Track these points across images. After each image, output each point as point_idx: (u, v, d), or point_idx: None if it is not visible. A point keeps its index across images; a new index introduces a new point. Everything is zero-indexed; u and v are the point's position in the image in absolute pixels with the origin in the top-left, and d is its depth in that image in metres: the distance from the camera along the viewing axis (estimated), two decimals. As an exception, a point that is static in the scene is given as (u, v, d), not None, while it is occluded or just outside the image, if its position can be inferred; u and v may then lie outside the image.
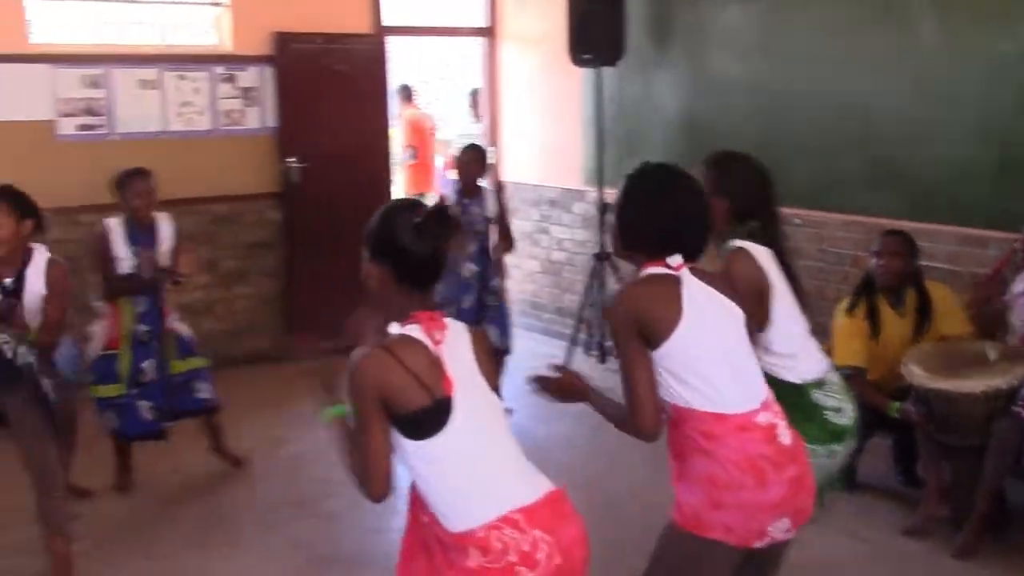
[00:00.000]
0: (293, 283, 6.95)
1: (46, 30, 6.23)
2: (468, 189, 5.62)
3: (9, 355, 3.73)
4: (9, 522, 4.37)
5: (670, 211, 2.51)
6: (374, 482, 2.22)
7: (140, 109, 6.42)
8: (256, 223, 6.90)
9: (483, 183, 5.69)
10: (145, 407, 4.70)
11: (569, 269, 7.41)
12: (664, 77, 6.42)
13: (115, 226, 4.70)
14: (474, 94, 8.67)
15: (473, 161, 5.62)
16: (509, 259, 7.86)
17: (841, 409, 2.95)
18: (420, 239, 2.27)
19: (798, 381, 2.91)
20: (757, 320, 2.80)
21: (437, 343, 2.25)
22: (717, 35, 6.04)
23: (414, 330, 2.26)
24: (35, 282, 3.84)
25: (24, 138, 6.05)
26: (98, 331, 4.70)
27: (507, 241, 5.78)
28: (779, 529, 2.45)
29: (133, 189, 4.69)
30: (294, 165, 6.80)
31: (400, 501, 2.41)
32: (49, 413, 3.88)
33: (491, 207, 5.68)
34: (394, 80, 8.48)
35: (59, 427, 4.06)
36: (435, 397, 2.21)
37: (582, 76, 6.83)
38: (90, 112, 6.26)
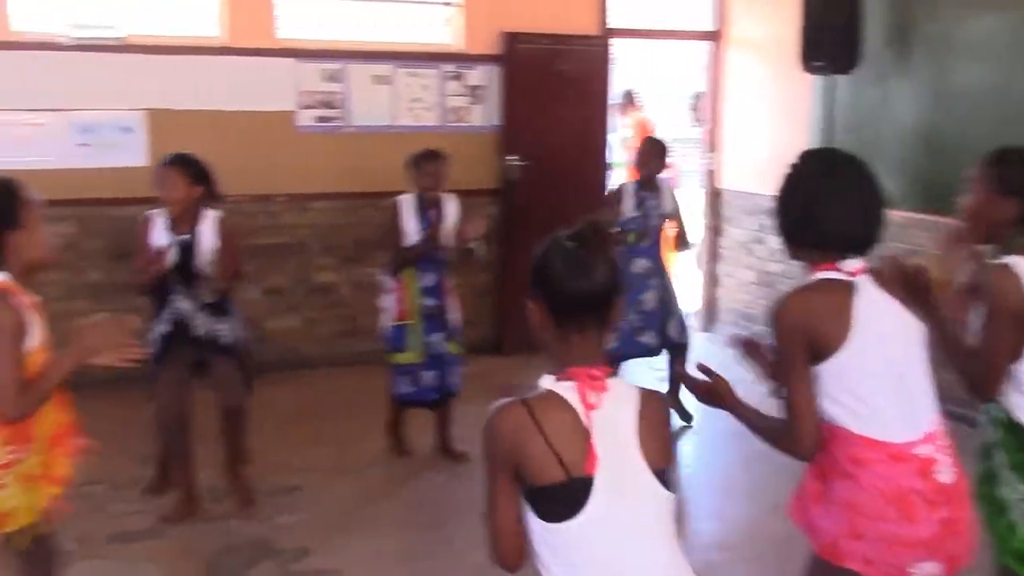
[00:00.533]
0: (506, 278, 7.06)
1: (291, 26, 6.59)
2: (646, 182, 5.56)
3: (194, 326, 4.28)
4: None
5: (836, 202, 2.28)
6: (499, 550, 1.93)
7: (373, 104, 6.69)
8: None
9: (663, 177, 5.67)
10: (429, 377, 5.00)
11: (784, 282, 7.16)
12: (902, 86, 6.10)
13: (406, 202, 4.98)
14: (697, 98, 8.54)
15: (653, 154, 5.55)
16: (721, 268, 7.76)
17: None
18: (571, 267, 1.90)
19: None
20: (1013, 350, 2.50)
21: (590, 408, 1.86)
22: (964, 43, 5.67)
23: (566, 388, 1.89)
24: (208, 237, 4.29)
25: (267, 128, 6.42)
26: (388, 304, 5.02)
27: (683, 239, 5.83)
28: (924, 571, 2.24)
29: (424, 169, 4.96)
30: (514, 163, 6.91)
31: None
32: (239, 360, 4.40)
33: (668, 203, 5.61)
34: (618, 83, 8.51)
35: (247, 368, 4.49)
36: (571, 474, 1.82)
37: (812, 83, 6.60)
38: (327, 105, 6.58)
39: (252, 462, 4.62)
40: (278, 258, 6.51)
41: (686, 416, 5.73)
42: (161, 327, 4.28)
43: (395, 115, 6.76)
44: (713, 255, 7.85)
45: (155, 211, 4.31)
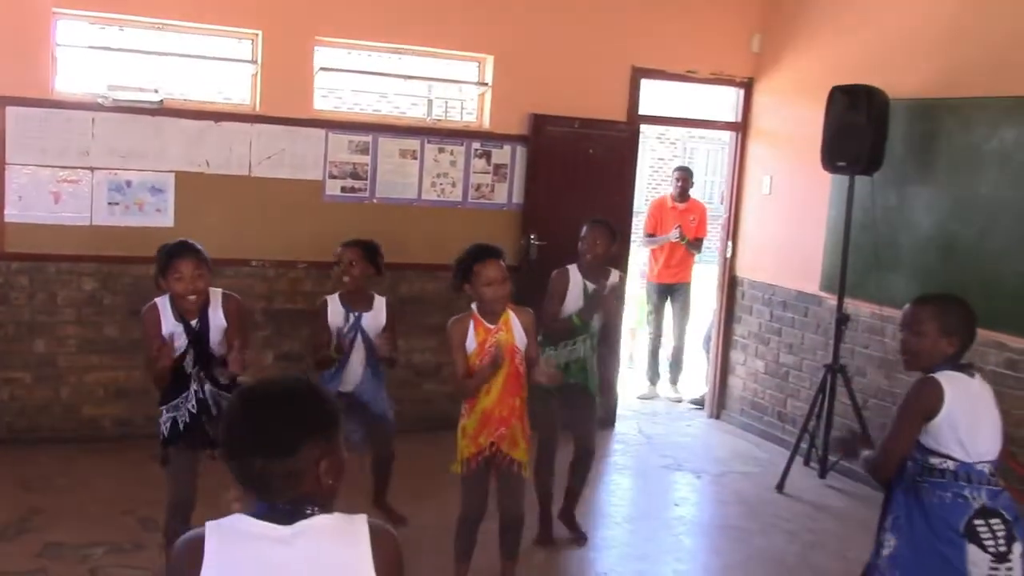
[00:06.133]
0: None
1: (322, 98, 6.74)
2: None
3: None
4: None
5: None
6: None
7: (398, 176, 6.82)
8: (491, 293, 7.11)
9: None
10: None
11: (796, 375, 7.19)
12: (922, 192, 6.16)
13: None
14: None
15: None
16: (736, 356, 7.77)
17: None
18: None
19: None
20: None
21: None
22: (992, 154, 5.72)
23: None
24: (217, 319, 4.21)
25: (294, 195, 6.54)
26: None
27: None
28: None
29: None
30: (534, 242, 7.00)
31: None
32: None
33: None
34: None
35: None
36: None
37: (830, 180, 6.68)
38: (354, 176, 6.71)
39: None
40: (294, 324, 6.58)
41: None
42: (177, 414, 4.18)
43: (420, 189, 6.88)
44: (728, 342, 7.88)
45: (159, 299, 4.21)
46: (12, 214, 5.97)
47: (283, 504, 1.89)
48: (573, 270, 5.20)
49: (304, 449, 1.88)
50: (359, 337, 4.91)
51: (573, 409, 5.16)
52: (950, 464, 3.23)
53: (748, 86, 7.70)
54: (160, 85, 6.37)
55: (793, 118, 7.29)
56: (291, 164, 6.52)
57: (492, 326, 4.23)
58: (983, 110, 5.78)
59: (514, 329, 4.26)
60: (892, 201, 6.34)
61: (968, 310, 3.37)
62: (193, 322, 4.17)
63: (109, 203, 6.13)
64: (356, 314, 4.93)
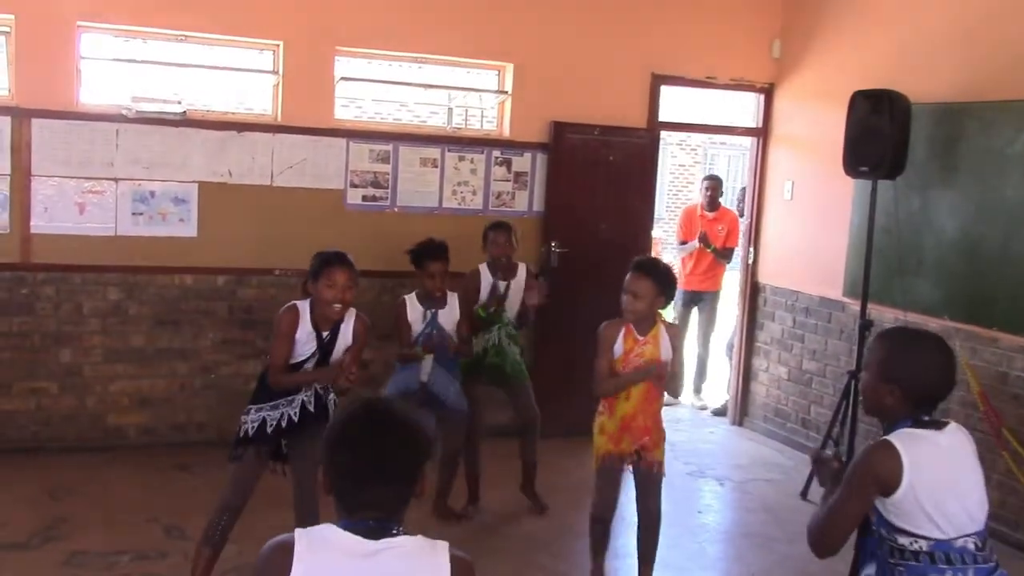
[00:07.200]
0: (538, 361, 7.10)
1: (347, 108, 6.78)
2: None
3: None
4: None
5: None
6: None
7: (420, 185, 6.84)
8: (512, 301, 7.11)
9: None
10: None
11: (819, 381, 7.14)
12: (945, 196, 6.12)
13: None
14: (744, 192, 8.60)
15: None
16: (758, 362, 7.73)
17: None
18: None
19: None
20: None
21: None
22: (1014, 158, 5.68)
23: None
24: (347, 336, 4.30)
25: (316, 204, 6.58)
26: None
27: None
28: None
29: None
30: (555, 249, 7.00)
31: None
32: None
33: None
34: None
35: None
36: None
37: (853, 185, 6.65)
38: (376, 185, 6.73)
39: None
40: (317, 332, 6.60)
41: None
42: (273, 414, 4.19)
43: (441, 197, 6.90)
44: (750, 349, 7.84)
45: (300, 303, 4.24)
46: (38, 225, 6.03)
47: (372, 520, 1.99)
48: (483, 269, 5.63)
49: (421, 477, 2.05)
50: (433, 333, 5.18)
51: (508, 388, 5.70)
52: (923, 544, 2.64)
53: (769, 91, 7.68)
54: (183, 96, 6.43)
55: (814, 123, 7.26)
56: (313, 173, 6.56)
57: (642, 337, 4.40)
58: (1006, 113, 5.74)
59: (661, 343, 4.43)
60: (915, 206, 6.30)
61: (927, 357, 2.74)
62: (325, 334, 4.22)
63: (133, 213, 6.19)
64: (433, 311, 5.21)
